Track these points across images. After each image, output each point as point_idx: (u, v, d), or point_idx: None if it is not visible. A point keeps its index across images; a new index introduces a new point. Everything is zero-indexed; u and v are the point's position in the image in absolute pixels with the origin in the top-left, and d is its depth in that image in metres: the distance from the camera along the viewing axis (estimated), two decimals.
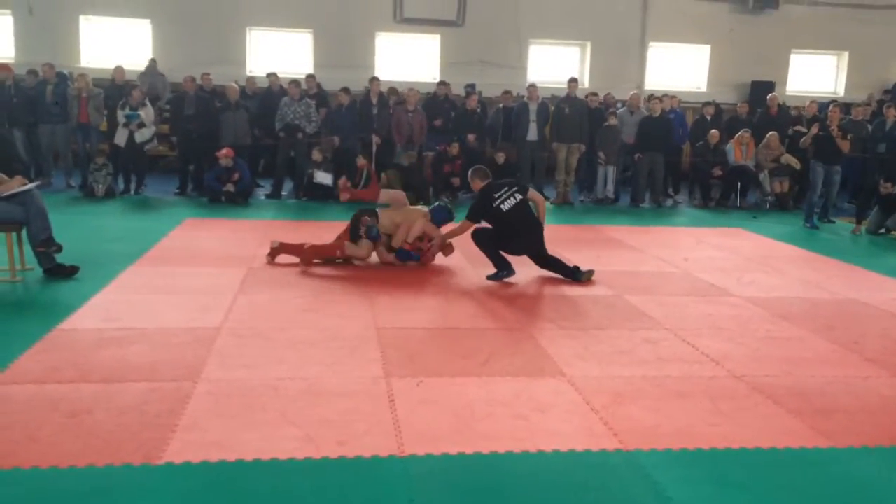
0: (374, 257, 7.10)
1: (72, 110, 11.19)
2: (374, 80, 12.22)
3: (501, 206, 6.57)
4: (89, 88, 11.28)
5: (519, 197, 6.63)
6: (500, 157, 11.50)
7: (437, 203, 7.41)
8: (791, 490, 3.16)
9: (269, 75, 12.58)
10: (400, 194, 7.53)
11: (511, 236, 6.64)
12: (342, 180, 10.91)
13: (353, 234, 7.03)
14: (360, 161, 11.06)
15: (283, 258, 6.93)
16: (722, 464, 3.35)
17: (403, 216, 7.05)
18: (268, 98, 12.01)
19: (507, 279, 6.58)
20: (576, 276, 6.63)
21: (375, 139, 11.72)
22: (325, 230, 8.53)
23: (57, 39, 14.31)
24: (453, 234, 6.84)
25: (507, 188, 6.69)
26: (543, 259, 6.81)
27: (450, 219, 7.18)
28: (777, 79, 16.32)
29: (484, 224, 6.75)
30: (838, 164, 10.41)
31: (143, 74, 13.27)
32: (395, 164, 11.44)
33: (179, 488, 2.99)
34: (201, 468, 3.13)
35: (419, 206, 7.49)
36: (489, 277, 6.59)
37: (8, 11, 14.37)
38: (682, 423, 3.73)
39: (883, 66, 16.90)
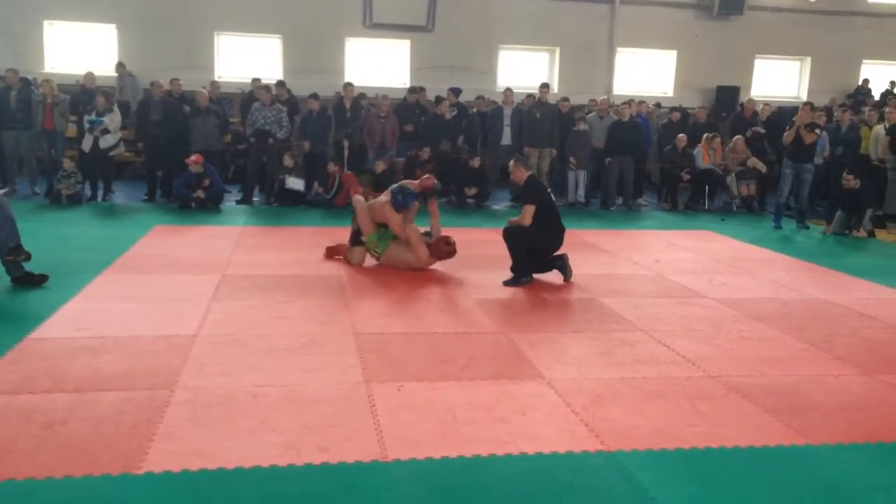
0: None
1: (36, 116, 11.01)
2: (349, 85, 12.22)
3: (550, 193, 7.04)
4: (54, 94, 11.11)
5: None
6: (476, 162, 11.52)
7: (392, 189, 7.18)
8: (770, 487, 3.21)
9: (253, 81, 12.57)
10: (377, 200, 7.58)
11: (548, 227, 6.69)
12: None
13: (353, 240, 7.27)
14: (332, 167, 11.01)
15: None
16: (702, 463, 3.39)
17: (379, 214, 7.08)
18: (246, 103, 11.98)
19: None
20: (562, 263, 6.78)
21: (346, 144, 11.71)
22: (297, 236, 8.51)
23: (20, 44, 14.11)
24: (522, 222, 6.66)
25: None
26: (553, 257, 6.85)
27: (409, 202, 7.11)
28: (742, 84, 16.62)
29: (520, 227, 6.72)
30: (810, 163, 10.58)
31: (118, 78, 13.09)
32: (366, 170, 11.40)
33: (161, 497, 2.94)
34: (182, 477, 3.08)
35: (380, 198, 7.27)
36: (507, 283, 6.57)
37: None
38: (662, 424, 3.77)
39: (844, 70, 17.27)
